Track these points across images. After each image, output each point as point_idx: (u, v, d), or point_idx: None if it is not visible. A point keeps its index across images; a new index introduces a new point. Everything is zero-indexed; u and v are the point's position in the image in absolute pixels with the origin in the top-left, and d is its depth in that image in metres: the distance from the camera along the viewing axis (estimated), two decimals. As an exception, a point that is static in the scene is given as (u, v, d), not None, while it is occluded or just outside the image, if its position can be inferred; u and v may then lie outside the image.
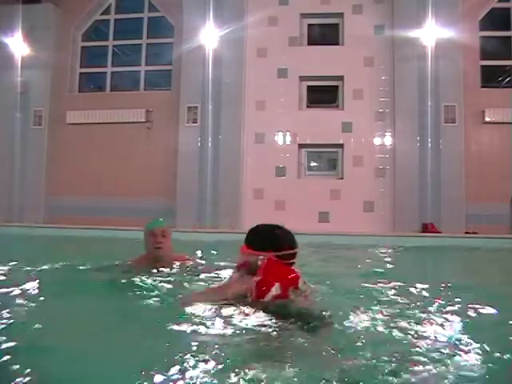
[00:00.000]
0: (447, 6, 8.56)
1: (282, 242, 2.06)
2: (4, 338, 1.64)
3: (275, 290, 1.79)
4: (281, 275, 1.87)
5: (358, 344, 1.66)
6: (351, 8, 9.24)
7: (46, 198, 9.71)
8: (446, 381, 1.38)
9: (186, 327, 1.73)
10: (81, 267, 3.27)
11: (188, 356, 1.46)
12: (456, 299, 2.37)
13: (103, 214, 9.13)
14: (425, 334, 1.81)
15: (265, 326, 1.68)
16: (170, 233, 3.37)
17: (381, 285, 2.96)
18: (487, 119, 8.66)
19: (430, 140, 8.54)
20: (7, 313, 1.99)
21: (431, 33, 8.49)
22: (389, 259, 5.13)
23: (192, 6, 9.15)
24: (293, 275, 1.88)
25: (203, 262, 3.58)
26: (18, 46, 9.52)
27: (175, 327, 1.75)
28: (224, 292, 1.90)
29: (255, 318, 1.73)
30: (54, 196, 9.69)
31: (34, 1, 9.79)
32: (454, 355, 1.56)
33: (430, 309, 2.22)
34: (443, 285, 2.92)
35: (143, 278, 2.83)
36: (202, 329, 1.70)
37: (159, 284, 2.71)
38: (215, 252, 4.41)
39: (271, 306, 1.77)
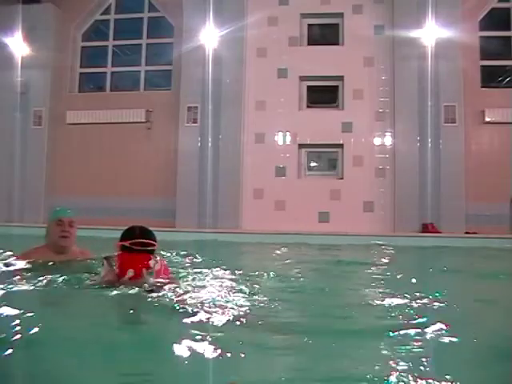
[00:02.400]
0: (447, 6, 8.56)
1: (134, 234, 2.59)
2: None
3: (129, 273, 2.42)
4: (133, 263, 2.46)
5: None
6: (351, 8, 9.23)
7: (46, 197, 9.70)
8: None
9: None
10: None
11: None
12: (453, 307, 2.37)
13: (103, 214, 9.13)
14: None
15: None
16: (76, 226, 3.24)
17: (378, 285, 2.96)
18: (487, 119, 8.66)
19: (430, 140, 8.54)
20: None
21: (431, 33, 8.49)
22: (388, 259, 5.12)
23: (192, 6, 9.15)
24: (145, 261, 2.47)
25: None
26: (18, 46, 9.51)
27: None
28: (100, 281, 2.54)
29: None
30: (54, 196, 9.68)
31: (34, 1, 9.78)
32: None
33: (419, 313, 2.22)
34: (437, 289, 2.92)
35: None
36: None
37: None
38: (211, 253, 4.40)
39: (129, 283, 2.41)
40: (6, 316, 1.91)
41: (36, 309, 2.09)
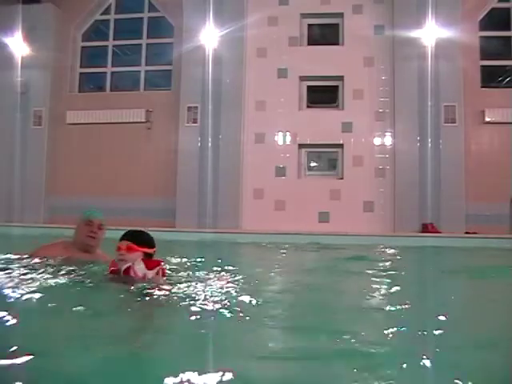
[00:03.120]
0: (447, 6, 8.57)
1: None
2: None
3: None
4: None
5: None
6: (351, 8, 9.24)
7: (46, 197, 9.71)
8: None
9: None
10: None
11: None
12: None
13: (103, 214, 9.11)
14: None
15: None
16: (105, 229, 3.39)
17: (376, 285, 2.96)
18: (487, 119, 8.67)
19: (429, 140, 8.54)
20: None
21: (431, 33, 8.49)
22: (388, 259, 5.13)
23: (192, 6, 9.15)
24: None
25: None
26: (18, 45, 9.51)
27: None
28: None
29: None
30: (54, 196, 9.70)
31: (34, 1, 9.78)
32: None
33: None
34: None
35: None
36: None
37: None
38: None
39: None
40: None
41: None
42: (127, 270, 2.51)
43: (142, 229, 2.82)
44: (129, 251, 2.58)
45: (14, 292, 2.24)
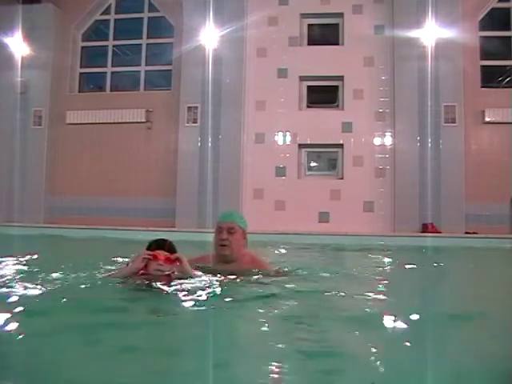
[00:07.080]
0: (447, 6, 8.57)
1: None
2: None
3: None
4: None
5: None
6: (351, 8, 9.24)
7: (46, 197, 9.71)
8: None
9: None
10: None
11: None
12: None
13: (103, 214, 9.14)
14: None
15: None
16: (242, 230, 2.89)
17: (376, 285, 2.96)
18: (487, 119, 8.66)
19: (429, 140, 8.54)
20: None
21: (431, 33, 8.49)
22: (387, 259, 5.13)
23: (192, 6, 9.15)
24: None
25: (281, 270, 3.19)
26: (18, 46, 9.51)
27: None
28: None
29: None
30: (54, 196, 9.69)
31: (34, 1, 9.79)
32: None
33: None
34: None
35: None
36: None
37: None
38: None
39: None
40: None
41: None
42: (166, 277, 2.60)
43: (164, 237, 2.79)
44: (166, 262, 2.64)
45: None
